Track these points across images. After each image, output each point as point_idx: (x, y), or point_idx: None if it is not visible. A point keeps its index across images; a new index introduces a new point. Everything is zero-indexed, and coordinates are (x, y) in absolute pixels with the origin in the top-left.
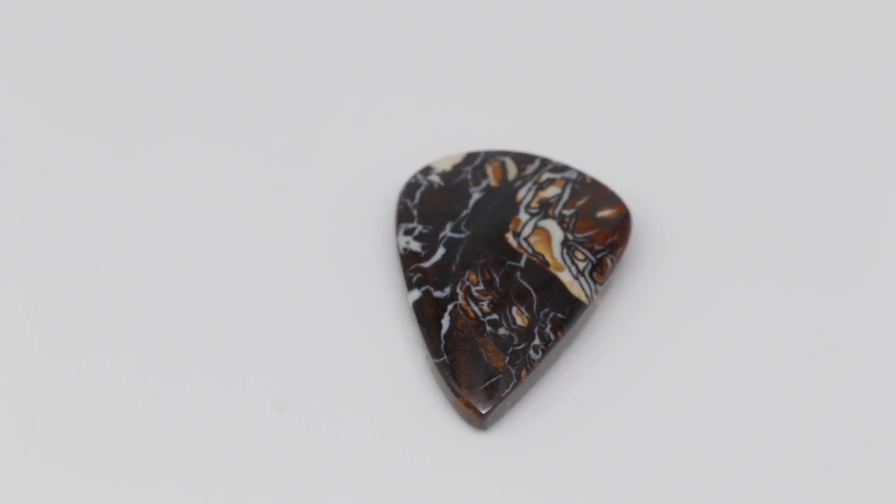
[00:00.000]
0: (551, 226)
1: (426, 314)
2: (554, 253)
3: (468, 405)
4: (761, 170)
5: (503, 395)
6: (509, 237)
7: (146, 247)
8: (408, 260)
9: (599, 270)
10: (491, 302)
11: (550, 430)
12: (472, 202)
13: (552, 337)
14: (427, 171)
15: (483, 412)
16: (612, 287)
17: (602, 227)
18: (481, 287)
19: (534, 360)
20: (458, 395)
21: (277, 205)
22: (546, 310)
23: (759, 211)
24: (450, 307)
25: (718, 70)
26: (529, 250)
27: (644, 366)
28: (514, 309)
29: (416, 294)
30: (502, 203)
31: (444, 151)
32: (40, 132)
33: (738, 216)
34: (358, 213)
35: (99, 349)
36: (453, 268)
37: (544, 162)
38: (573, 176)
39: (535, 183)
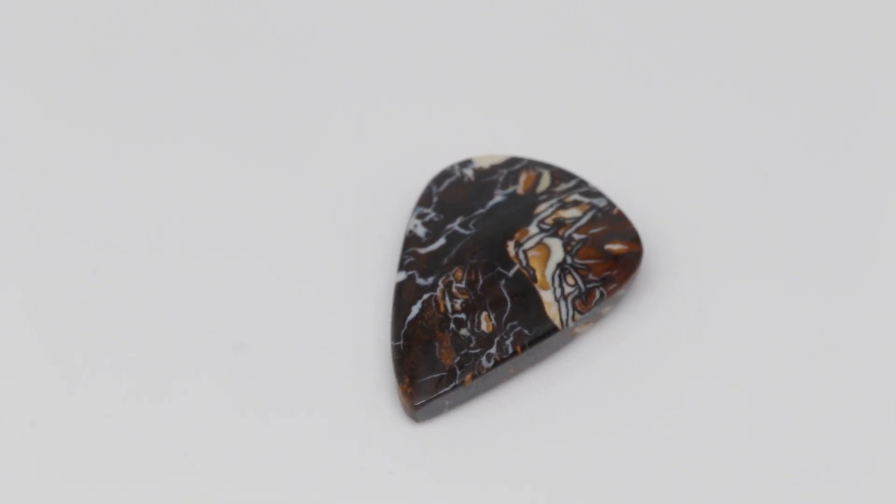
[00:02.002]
0: (555, 245)
1: (402, 297)
2: (546, 271)
3: (405, 393)
4: (800, 241)
5: (441, 392)
6: (510, 245)
7: (146, 246)
8: (409, 242)
9: (584, 300)
10: (465, 302)
11: (478, 438)
12: (490, 203)
13: (510, 350)
14: (466, 163)
15: (416, 403)
16: (608, 319)
17: (604, 259)
18: (462, 285)
19: (483, 368)
20: (400, 382)
21: (311, 183)
22: (514, 323)
23: (774, 278)
24: (426, 296)
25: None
26: (523, 262)
27: (603, 400)
28: (484, 314)
29: (402, 276)
30: (519, 211)
31: (500, 151)
32: (42, 132)
33: (756, 276)
34: (395, 192)
35: (99, 349)
36: (445, 260)
37: (581, 183)
38: (601, 204)
39: (559, 200)
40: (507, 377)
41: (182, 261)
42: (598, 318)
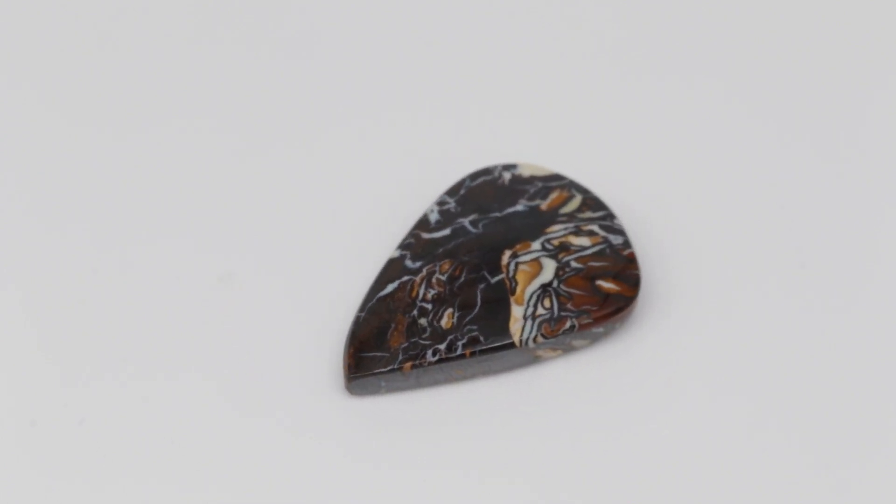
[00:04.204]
0: (549, 266)
1: (385, 273)
2: (527, 288)
3: (345, 363)
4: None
5: (377, 371)
6: (506, 254)
7: (147, 246)
8: (419, 225)
9: (552, 326)
10: (437, 294)
11: (401, 423)
12: (509, 210)
13: (459, 352)
14: (509, 167)
15: (351, 375)
16: (583, 353)
17: (591, 293)
18: (443, 278)
19: (425, 360)
20: (345, 352)
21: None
22: (473, 327)
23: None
24: (405, 278)
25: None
26: (510, 273)
27: (552, 420)
28: (449, 311)
29: (396, 253)
30: (532, 225)
31: (558, 163)
32: (43, 130)
33: (751, 353)
34: (445, 183)
35: (99, 349)
36: (440, 250)
37: (607, 216)
38: (616, 241)
39: (575, 226)
40: (454, 378)
41: (183, 259)
42: (568, 349)
